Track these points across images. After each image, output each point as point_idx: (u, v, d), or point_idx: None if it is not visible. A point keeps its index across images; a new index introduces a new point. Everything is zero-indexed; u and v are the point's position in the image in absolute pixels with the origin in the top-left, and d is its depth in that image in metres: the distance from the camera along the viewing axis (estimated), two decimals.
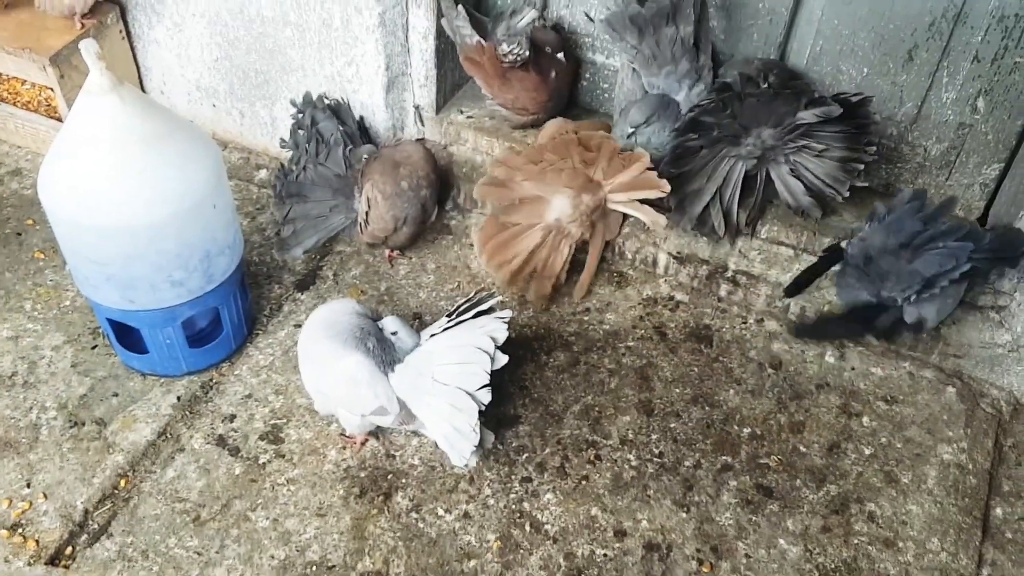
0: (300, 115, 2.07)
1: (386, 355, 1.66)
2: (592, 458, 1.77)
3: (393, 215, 2.00)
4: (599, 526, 1.66)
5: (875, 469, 1.77)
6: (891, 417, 1.86)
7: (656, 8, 1.91)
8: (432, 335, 1.71)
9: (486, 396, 1.62)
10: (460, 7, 2.04)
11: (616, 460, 1.77)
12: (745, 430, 1.82)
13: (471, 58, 2.10)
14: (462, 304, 1.73)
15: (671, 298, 2.09)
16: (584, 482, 1.73)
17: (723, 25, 2.04)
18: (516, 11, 2.09)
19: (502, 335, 1.66)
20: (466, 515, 1.67)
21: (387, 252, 2.13)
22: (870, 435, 1.82)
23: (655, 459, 1.77)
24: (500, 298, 1.69)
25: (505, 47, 2.04)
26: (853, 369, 1.94)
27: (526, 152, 2.07)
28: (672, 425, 1.83)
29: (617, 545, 1.63)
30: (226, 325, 1.87)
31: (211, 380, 1.89)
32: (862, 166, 1.92)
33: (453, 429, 1.62)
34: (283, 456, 1.75)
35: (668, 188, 1.94)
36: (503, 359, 1.65)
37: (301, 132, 2.06)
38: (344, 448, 1.76)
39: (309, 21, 2.09)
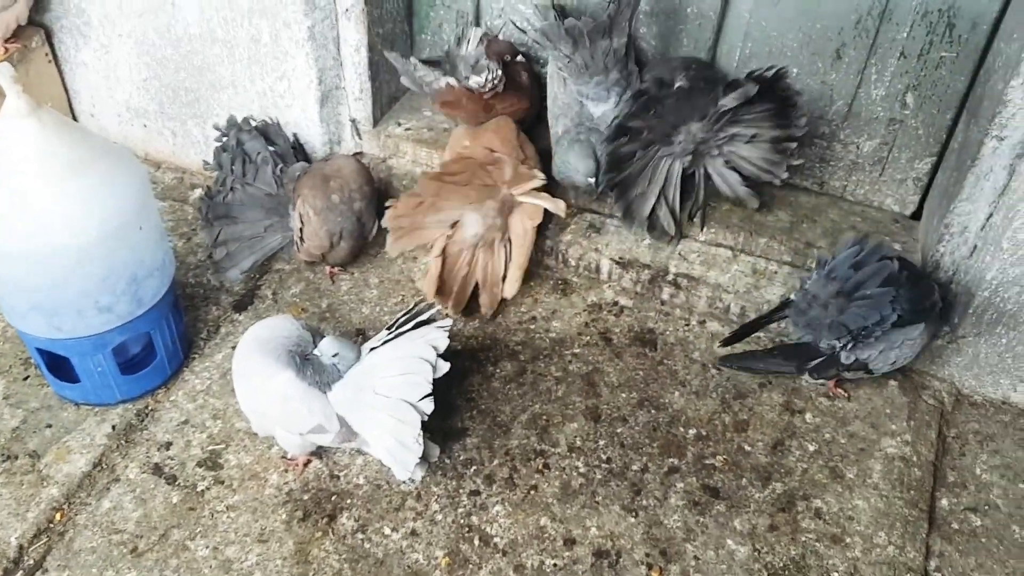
0: (224, 138, 2.03)
1: (322, 374, 1.64)
2: (540, 467, 1.75)
3: (327, 230, 1.97)
4: (548, 536, 1.64)
5: (820, 465, 1.78)
6: (834, 413, 1.87)
7: (594, 23, 1.90)
8: (372, 348, 1.69)
9: (428, 406, 1.59)
10: (412, 59, 2.04)
11: (564, 468, 1.75)
12: (691, 431, 1.82)
13: (447, 102, 2.08)
14: (401, 316, 1.71)
15: (615, 303, 2.08)
16: (533, 492, 1.71)
17: (654, 31, 2.05)
18: (460, 38, 2.08)
19: (443, 343, 1.64)
20: (413, 532, 1.64)
21: (328, 269, 2.10)
22: (813, 431, 1.83)
23: (603, 465, 1.76)
24: (439, 308, 1.68)
25: (479, 79, 2.01)
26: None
27: (421, 187, 2.00)
28: (619, 430, 1.82)
29: (567, 554, 1.62)
30: (159, 350, 1.82)
31: (146, 407, 1.84)
32: (795, 144, 1.92)
33: (396, 443, 1.59)
34: (222, 482, 1.70)
35: (563, 207, 1.98)
36: (445, 367, 1.63)
37: (226, 154, 2.02)
38: (286, 471, 1.72)
39: (237, 37, 2.06)
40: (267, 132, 2.05)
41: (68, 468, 1.72)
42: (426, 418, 1.59)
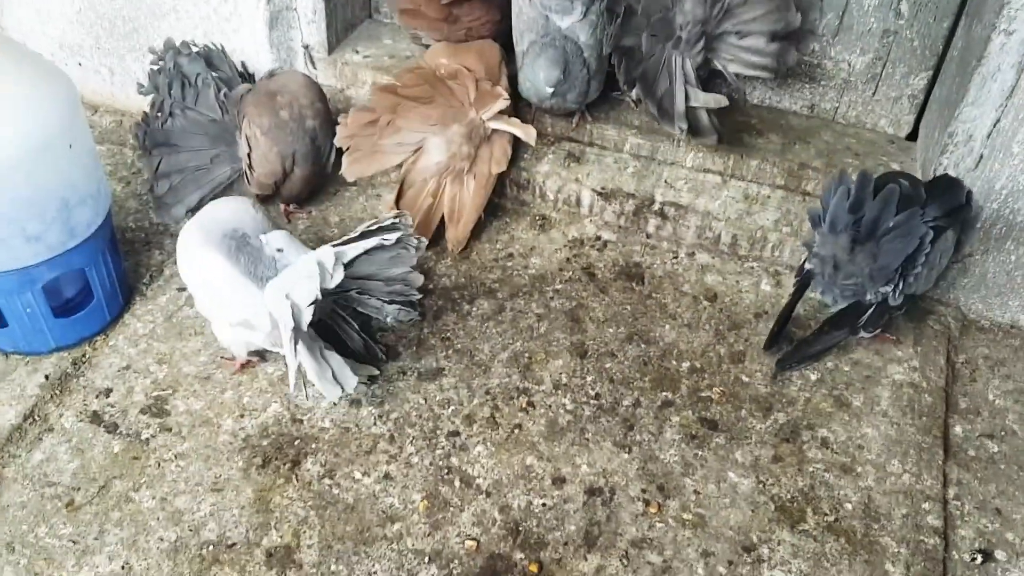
0: (160, 62, 1.84)
1: (259, 268, 1.49)
2: (524, 405, 1.60)
3: (278, 151, 1.79)
4: (536, 475, 1.49)
5: (823, 394, 1.65)
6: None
7: None
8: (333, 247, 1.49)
9: (308, 314, 1.40)
10: None
11: (550, 406, 1.60)
12: (684, 364, 1.68)
13: (406, 9, 1.91)
14: (364, 225, 1.51)
15: (598, 238, 1.94)
16: (517, 431, 1.56)
17: None
18: None
19: (353, 252, 1.44)
20: (387, 476, 1.48)
21: (282, 207, 1.93)
22: (814, 360, 1.70)
23: (592, 401, 1.61)
24: (405, 220, 1.51)
25: None
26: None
27: (374, 101, 1.85)
28: (608, 365, 1.67)
29: (556, 493, 1.46)
30: (96, 291, 1.63)
31: (83, 355, 1.65)
32: None
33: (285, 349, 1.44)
34: (169, 430, 1.53)
35: (533, 134, 1.83)
36: (339, 277, 1.42)
37: (162, 76, 1.84)
38: (241, 416, 1.55)
39: None
40: (210, 58, 1.87)
41: None
42: (303, 327, 1.41)
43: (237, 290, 1.48)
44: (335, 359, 1.50)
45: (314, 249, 1.49)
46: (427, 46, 1.99)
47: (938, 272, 1.66)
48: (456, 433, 1.55)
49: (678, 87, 1.81)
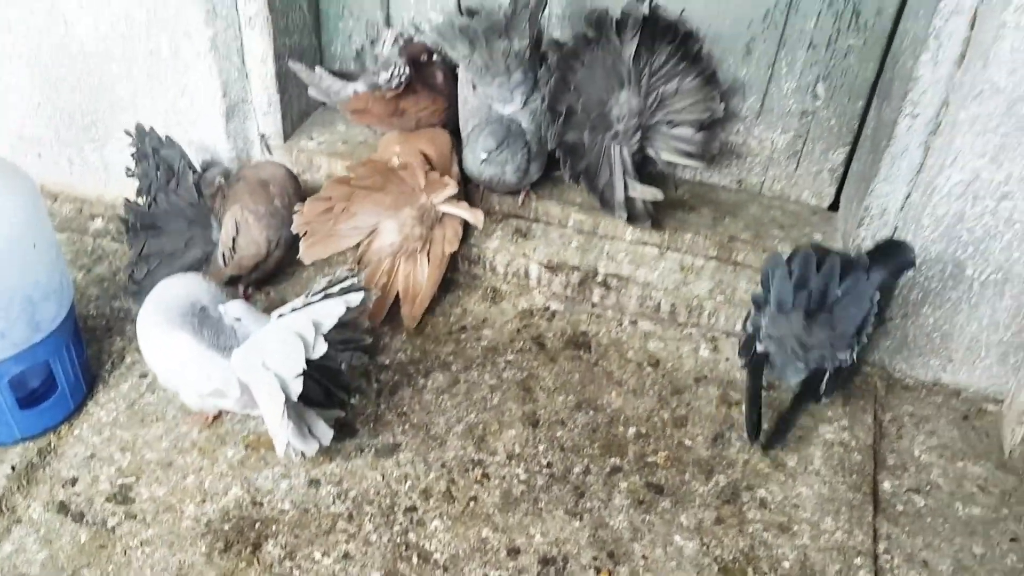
0: (139, 144, 1.92)
1: (221, 338, 1.59)
2: (479, 477, 1.67)
3: (267, 236, 1.90)
4: (491, 547, 1.56)
5: (760, 456, 1.75)
6: (769, 402, 1.84)
7: (488, 23, 1.88)
8: (280, 315, 1.58)
9: (297, 385, 1.49)
10: (319, 68, 1.97)
11: (504, 476, 1.67)
12: (631, 430, 1.77)
13: (356, 109, 2.01)
14: (322, 284, 1.59)
15: (547, 308, 2.03)
16: (473, 503, 1.63)
17: (568, 34, 2.03)
18: (374, 40, 2.02)
19: (329, 322, 1.52)
20: (346, 556, 1.54)
21: (241, 289, 2.00)
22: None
23: (544, 470, 1.69)
24: (360, 276, 1.61)
25: (384, 75, 1.94)
26: (728, 360, 1.93)
27: (329, 190, 1.93)
28: (559, 433, 1.76)
29: (511, 564, 1.53)
30: (60, 381, 1.68)
31: (48, 444, 1.69)
32: (712, 72, 1.94)
33: (272, 417, 1.52)
34: (134, 517, 1.57)
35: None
36: (322, 348, 1.50)
37: (145, 160, 1.91)
38: (203, 501, 1.60)
39: (135, 52, 1.96)
40: (174, 144, 1.95)
41: None
42: (293, 398, 1.50)
43: (206, 364, 1.56)
44: (309, 415, 1.60)
45: (267, 314, 1.59)
46: (383, 133, 2.09)
47: (880, 320, 1.72)
48: (413, 508, 1.62)
49: (617, 178, 1.95)
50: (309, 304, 1.55)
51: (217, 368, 1.56)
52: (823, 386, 1.71)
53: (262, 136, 1.97)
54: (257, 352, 1.54)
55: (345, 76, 1.99)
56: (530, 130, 1.97)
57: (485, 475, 1.68)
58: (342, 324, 1.56)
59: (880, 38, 1.85)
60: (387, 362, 1.90)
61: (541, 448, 1.73)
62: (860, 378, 1.92)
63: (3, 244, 1.48)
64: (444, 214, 1.95)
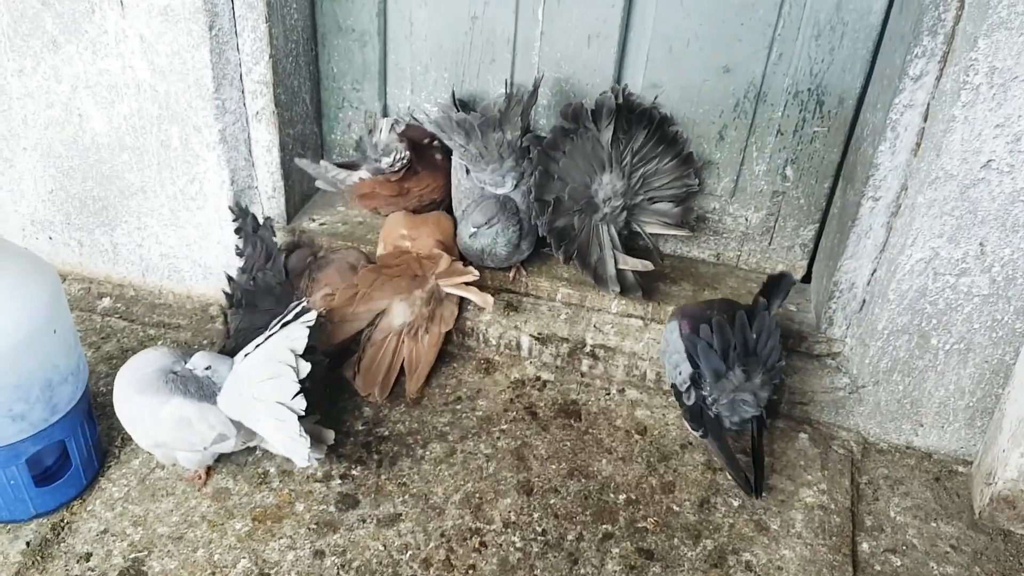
0: (239, 222, 2.04)
1: (204, 388, 1.73)
2: (477, 546, 1.75)
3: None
4: None
5: (745, 519, 1.83)
6: (751, 468, 1.94)
7: (483, 118, 2.01)
8: (246, 355, 1.74)
9: (300, 403, 1.68)
10: (323, 162, 2.13)
11: (501, 544, 1.75)
12: (621, 496, 1.86)
13: (364, 194, 2.15)
14: (275, 323, 1.77)
15: (538, 378, 2.13)
16: (471, 572, 1.70)
17: (552, 122, 2.17)
18: (372, 129, 2.16)
19: (300, 345, 1.71)
20: None
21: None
22: (735, 487, 1.89)
23: (539, 538, 1.77)
24: (304, 304, 1.80)
25: (388, 159, 2.10)
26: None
27: (360, 279, 2.08)
28: (552, 501, 1.84)
29: None
30: (75, 459, 1.76)
31: (62, 520, 1.76)
32: (688, 151, 2.08)
33: (285, 438, 1.69)
34: None
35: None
36: (306, 367, 1.70)
37: (248, 240, 2.03)
38: (213, 574, 1.67)
39: (147, 144, 2.08)
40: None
41: None
42: (302, 413, 1.69)
43: (206, 415, 1.71)
44: (307, 424, 1.74)
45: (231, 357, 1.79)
46: (386, 215, 2.22)
47: None
48: None
49: (607, 254, 2.08)
50: (271, 336, 1.73)
51: (214, 415, 1.72)
52: (765, 416, 1.85)
53: (267, 219, 2.08)
54: (243, 388, 1.71)
55: (348, 166, 2.13)
56: (523, 209, 2.09)
57: (483, 543, 1.76)
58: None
59: (843, 125, 2.00)
60: (387, 433, 1.98)
61: (536, 516, 1.81)
62: (837, 442, 2.02)
63: (27, 332, 1.57)
64: (445, 294, 2.07)
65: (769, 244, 2.21)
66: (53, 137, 2.14)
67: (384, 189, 2.12)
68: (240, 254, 2.07)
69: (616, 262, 2.08)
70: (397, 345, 2.05)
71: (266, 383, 1.70)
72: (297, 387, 1.67)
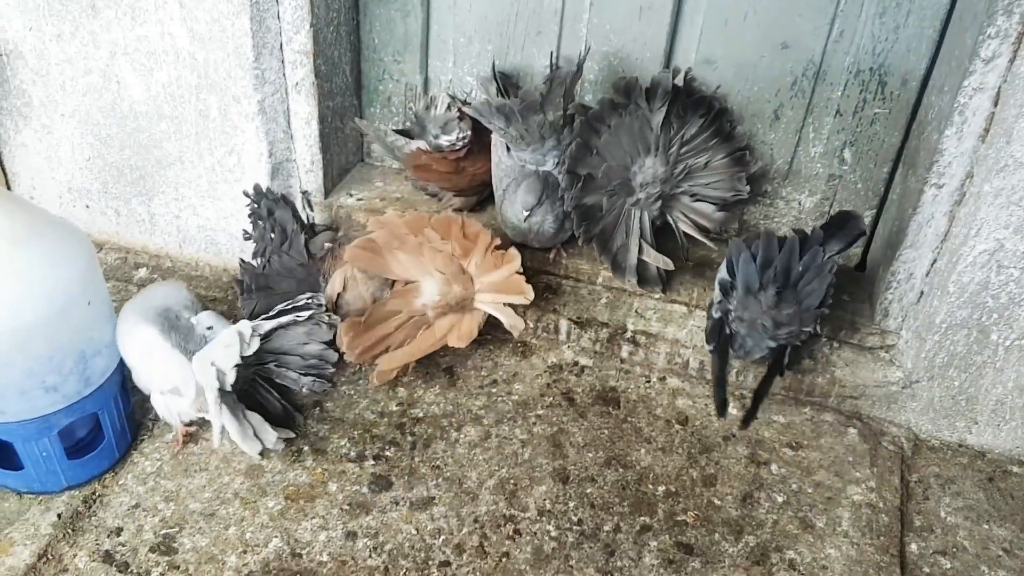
0: (255, 206, 1.99)
1: (190, 344, 1.74)
2: (511, 533, 1.71)
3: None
4: None
5: (790, 516, 1.77)
6: (798, 463, 1.88)
7: (525, 102, 1.94)
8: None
9: (231, 376, 1.69)
10: (383, 126, 2.10)
11: (536, 532, 1.71)
12: (660, 488, 1.80)
13: (418, 165, 2.11)
14: (288, 304, 1.79)
15: (576, 363, 2.08)
16: (505, 560, 1.66)
17: (599, 97, 2.10)
18: (429, 105, 2.10)
19: (268, 325, 1.76)
20: None
21: None
22: (780, 482, 1.83)
23: (574, 527, 1.72)
24: (322, 304, 1.83)
25: (449, 138, 2.06)
26: (756, 418, 1.95)
27: (408, 219, 2.00)
28: (588, 490, 1.79)
29: None
30: (107, 432, 1.74)
31: (94, 493, 1.75)
32: (746, 152, 1.96)
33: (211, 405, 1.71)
34: (177, 567, 1.62)
35: (531, 295, 1.94)
36: (255, 345, 1.72)
37: (261, 222, 1.99)
38: (244, 552, 1.65)
39: (185, 113, 2.05)
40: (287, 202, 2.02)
41: (11, 561, 1.61)
42: (226, 387, 1.69)
43: (167, 360, 1.72)
44: (255, 418, 1.76)
45: None
46: (434, 194, 2.17)
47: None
48: (447, 563, 1.65)
49: (632, 242, 2.00)
50: (270, 318, 1.75)
51: (177, 367, 1.71)
52: (786, 360, 1.80)
53: (304, 193, 2.04)
54: (210, 353, 1.71)
55: (403, 134, 2.10)
56: (563, 186, 2.03)
57: (517, 531, 1.72)
58: (307, 353, 1.81)
59: (905, 107, 1.91)
60: (421, 415, 1.94)
61: (571, 505, 1.77)
62: (887, 438, 1.95)
63: (61, 304, 1.55)
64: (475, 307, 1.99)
65: None
66: (91, 104, 2.12)
67: (440, 165, 2.09)
68: (248, 238, 2.02)
69: (640, 251, 2.01)
70: (403, 324, 1.98)
71: (219, 349, 1.70)
72: (233, 360, 1.68)
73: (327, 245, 2.00)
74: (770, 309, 1.72)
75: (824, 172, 2.05)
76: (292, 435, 1.84)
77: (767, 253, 1.73)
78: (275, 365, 1.84)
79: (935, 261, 1.79)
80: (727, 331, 1.80)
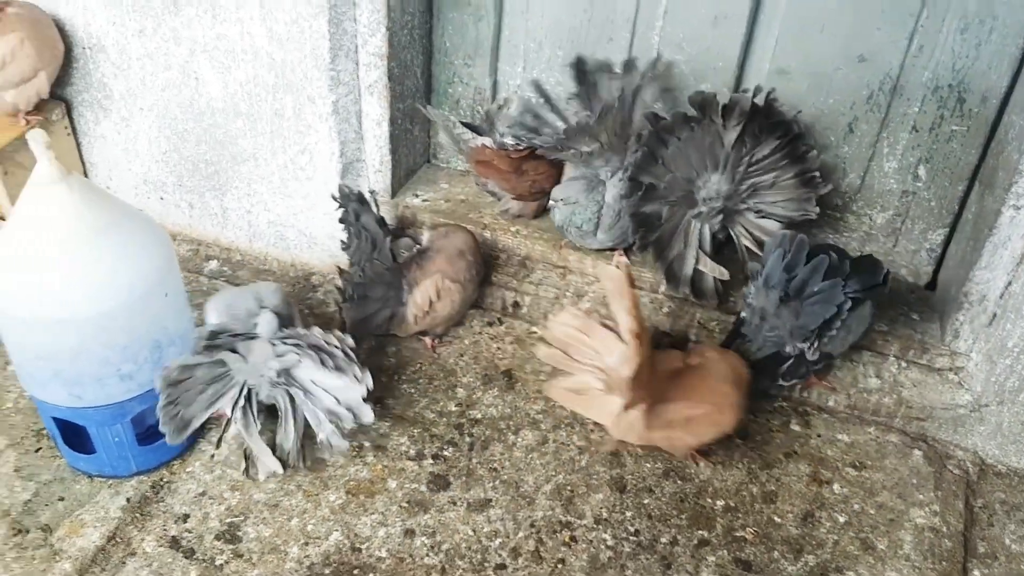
0: (343, 210, 2.00)
1: (238, 337, 1.76)
2: (567, 540, 1.71)
3: (462, 300, 2.04)
4: None
5: (851, 537, 1.75)
6: (861, 483, 1.85)
7: (571, 129, 1.95)
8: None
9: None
10: (452, 117, 2.12)
11: (592, 540, 1.71)
12: (719, 502, 1.79)
13: (481, 161, 2.14)
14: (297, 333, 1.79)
15: None
16: (560, 566, 1.67)
17: (668, 107, 2.09)
18: (502, 105, 2.12)
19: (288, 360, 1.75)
20: None
21: (428, 341, 2.11)
22: (842, 502, 1.81)
23: (631, 537, 1.72)
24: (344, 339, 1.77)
25: (513, 139, 2.09)
26: (819, 436, 1.94)
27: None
28: (646, 501, 1.79)
29: None
30: None
31: (162, 479, 1.79)
32: (816, 173, 1.91)
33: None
34: (241, 556, 1.66)
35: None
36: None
37: (351, 229, 2.00)
38: (306, 544, 1.68)
39: (261, 111, 2.09)
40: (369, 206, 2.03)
41: (81, 542, 1.67)
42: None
43: (219, 310, 1.84)
44: (259, 444, 1.74)
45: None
46: (493, 193, 2.19)
47: (854, 338, 1.84)
48: (503, 566, 1.66)
49: (690, 252, 1.98)
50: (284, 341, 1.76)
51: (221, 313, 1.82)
52: (782, 368, 1.86)
53: (371, 192, 2.07)
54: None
55: (473, 129, 2.14)
56: (608, 201, 2.01)
57: (573, 538, 1.72)
58: (346, 401, 1.73)
59: (984, 126, 1.87)
60: (479, 416, 1.96)
61: (628, 515, 1.76)
62: (953, 462, 1.91)
63: (140, 294, 1.59)
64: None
65: (894, 246, 2.08)
66: (170, 99, 2.17)
67: (502, 163, 2.11)
68: (346, 248, 2.03)
69: (696, 261, 1.99)
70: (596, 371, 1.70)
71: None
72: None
73: (415, 249, 2.03)
74: (771, 307, 1.78)
75: (897, 188, 2.01)
76: (279, 472, 1.76)
77: (795, 259, 1.77)
78: (304, 394, 1.74)
79: (1010, 283, 1.75)
80: (740, 314, 1.91)
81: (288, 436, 1.74)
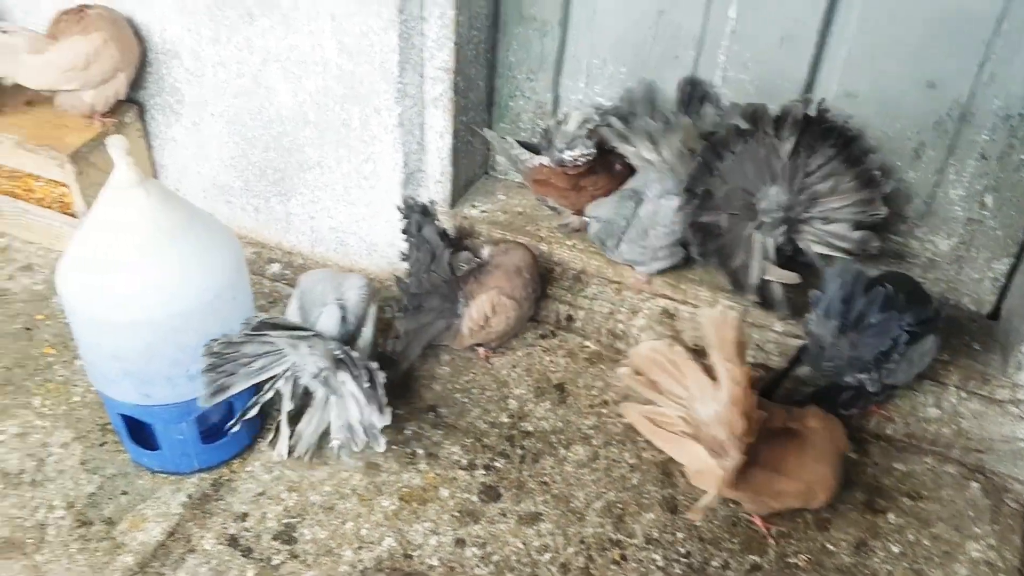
0: (406, 221, 2.02)
1: (301, 323, 1.80)
2: (617, 558, 1.72)
3: (517, 316, 2.06)
4: None
5: (905, 568, 1.73)
6: (917, 513, 1.83)
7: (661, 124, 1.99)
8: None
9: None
10: (510, 137, 2.16)
11: (642, 560, 1.72)
12: (772, 528, 1.78)
13: (538, 180, 2.16)
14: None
15: None
16: None
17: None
18: (561, 121, 2.14)
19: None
20: None
21: (482, 352, 2.14)
22: (897, 532, 1.79)
23: (682, 559, 1.72)
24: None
25: (572, 153, 2.09)
26: (876, 464, 1.91)
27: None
28: (698, 523, 1.79)
29: None
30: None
31: (222, 477, 1.84)
32: (878, 173, 1.89)
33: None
34: (297, 557, 1.69)
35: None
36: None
37: (412, 240, 2.03)
38: (360, 548, 1.71)
39: (328, 121, 2.14)
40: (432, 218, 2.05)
41: (143, 536, 1.72)
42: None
43: (296, 304, 1.89)
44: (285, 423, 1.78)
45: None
46: (554, 208, 2.22)
47: (919, 369, 1.83)
48: None
49: (755, 262, 1.96)
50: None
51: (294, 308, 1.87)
52: (841, 398, 1.85)
53: (431, 202, 2.10)
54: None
55: (530, 148, 2.15)
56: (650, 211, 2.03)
57: (623, 556, 1.73)
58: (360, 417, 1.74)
59: None
60: (531, 429, 1.97)
61: (679, 536, 1.76)
62: (1010, 495, 1.87)
63: (211, 296, 1.64)
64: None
65: (957, 274, 2.05)
66: (240, 106, 2.23)
67: (559, 180, 2.12)
68: (406, 259, 2.06)
69: (763, 271, 1.97)
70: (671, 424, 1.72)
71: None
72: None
73: (473, 263, 2.04)
74: (830, 336, 1.76)
75: (963, 215, 1.98)
76: (284, 457, 1.80)
77: (851, 290, 1.75)
78: (336, 398, 1.76)
79: None
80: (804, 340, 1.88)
81: (310, 426, 1.79)
